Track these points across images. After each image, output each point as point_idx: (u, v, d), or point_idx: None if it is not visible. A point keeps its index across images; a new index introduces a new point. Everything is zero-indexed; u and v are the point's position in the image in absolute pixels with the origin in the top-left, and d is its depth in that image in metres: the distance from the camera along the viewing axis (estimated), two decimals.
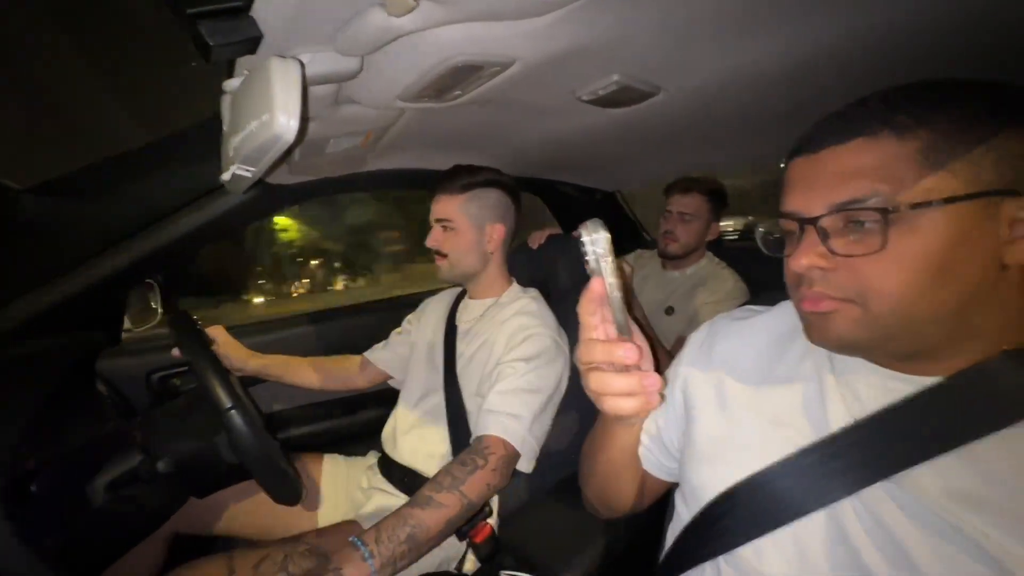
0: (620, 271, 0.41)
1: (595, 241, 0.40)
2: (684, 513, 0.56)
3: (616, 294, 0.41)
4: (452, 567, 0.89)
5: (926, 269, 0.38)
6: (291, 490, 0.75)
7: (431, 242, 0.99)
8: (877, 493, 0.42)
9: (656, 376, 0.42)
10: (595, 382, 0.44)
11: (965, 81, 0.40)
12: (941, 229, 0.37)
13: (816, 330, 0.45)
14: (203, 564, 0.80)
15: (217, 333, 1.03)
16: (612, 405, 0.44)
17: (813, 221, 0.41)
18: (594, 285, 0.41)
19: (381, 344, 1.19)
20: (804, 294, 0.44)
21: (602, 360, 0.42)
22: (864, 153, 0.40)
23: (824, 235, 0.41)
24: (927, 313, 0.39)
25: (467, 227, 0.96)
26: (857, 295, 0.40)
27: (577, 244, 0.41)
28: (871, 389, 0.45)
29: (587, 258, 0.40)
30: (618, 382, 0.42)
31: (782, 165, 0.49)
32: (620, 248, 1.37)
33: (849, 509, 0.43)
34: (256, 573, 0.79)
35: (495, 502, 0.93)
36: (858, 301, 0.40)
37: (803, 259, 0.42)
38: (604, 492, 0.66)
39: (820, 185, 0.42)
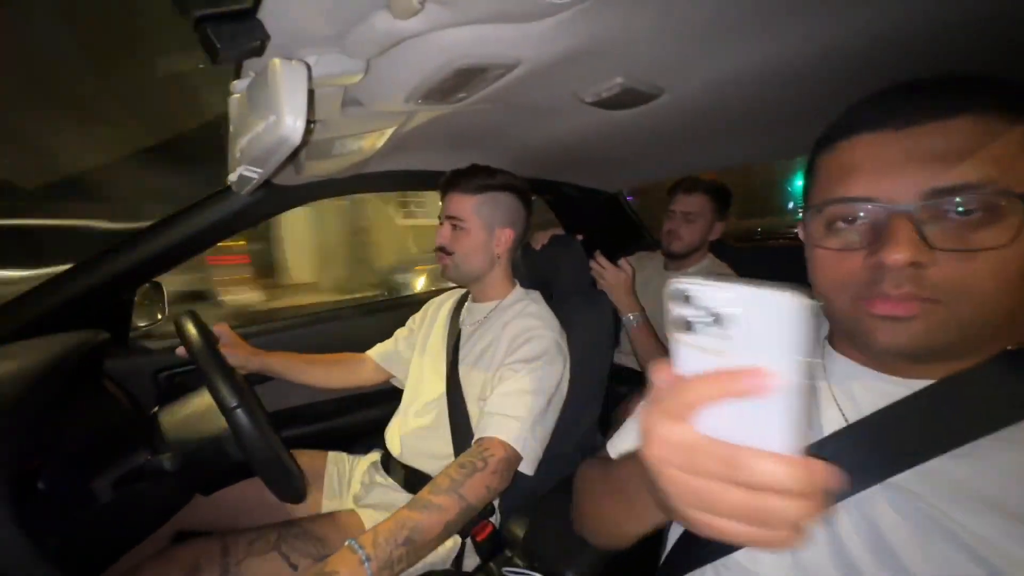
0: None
1: (766, 311, 0.24)
2: None
3: (811, 385, 0.27)
4: (449, 564, 0.89)
5: (1021, 270, 0.34)
6: (295, 488, 0.76)
7: (439, 239, 0.98)
8: (872, 496, 0.41)
9: (830, 496, 0.25)
10: (739, 506, 0.25)
11: None
12: None
13: (886, 333, 0.38)
14: (199, 543, 0.81)
15: (222, 330, 1.04)
16: (763, 539, 0.26)
17: (909, 209, 0.36)
18: (755, 384, 0.24)
19: (385, 343, 1.19)
20: (885, 294, 0.37)
21: (780, 484, 0.24)
22: (974, 132, 0.35)
23: (920, 225, 0.35)
24: (995, 317, 0.36)
25: (477, 228, 0.96)
26: (947, 295, 0.35)
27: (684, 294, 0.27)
28: (866, 392, 0.44)
29: (705, 323, 0.26)
30: (793, 511, 0.25)
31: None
32: (624, 249, 1.38)
33: (843, 512, 0.42)
34: (250, 549, 0.80)
35: (496, 501, 0.93)
36: (944, 301, 0.36)
37: (900, 253, 0.35)
38: (611, 542, 0.59)
39: (915, 166, 0.36)
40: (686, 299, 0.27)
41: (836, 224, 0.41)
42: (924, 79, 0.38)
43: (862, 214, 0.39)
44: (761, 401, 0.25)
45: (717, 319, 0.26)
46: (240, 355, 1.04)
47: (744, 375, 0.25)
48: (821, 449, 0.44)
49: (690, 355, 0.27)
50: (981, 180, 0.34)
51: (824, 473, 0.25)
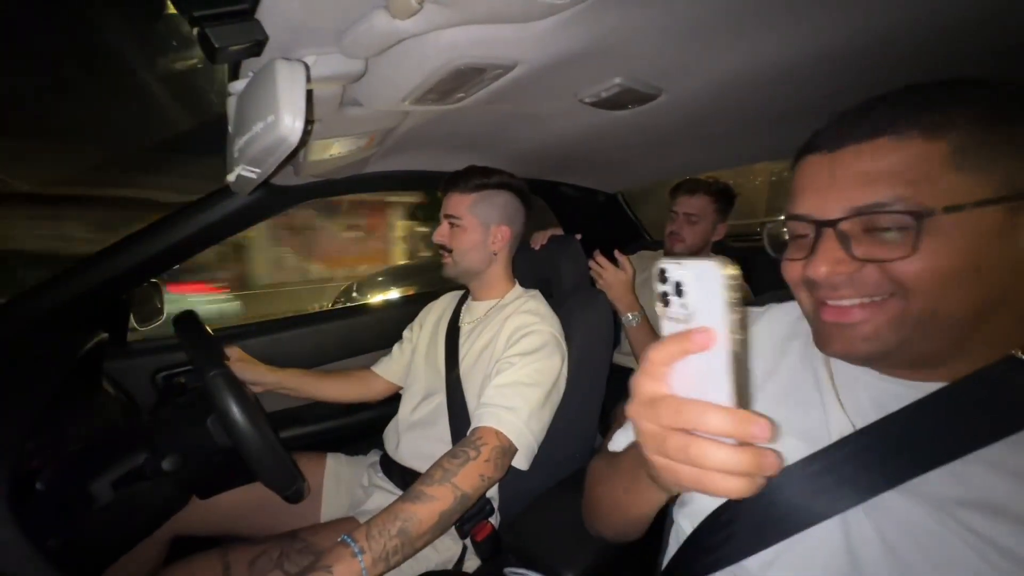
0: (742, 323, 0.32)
1: (704, 277, 0.30)
2: (685, 524, 0.54)
3: (742, 352, 0.33)
4: (451, 566, 0.89)
5: (956, 270, 0.36)
6: (288, 476, 0.74)
7: (437, 237, 1.00)
8: (884, 502, 0.41)
9: (775, 453, 0.30)
10: (681, 448, 0.31)
11: (985, 80, 0.38)
12: (969, 232, 0.36)
13: (839, 340, 0.41)
14: (199, 560, 0.81)
15: (232, 351, 1.05)
16: (703, 481, 0.31)
17: (832, 224, 0.39)
18: (700, 338, 0.30)
19: (386, 358, 1.20)
20: (825, 299, 0.41)
21: (711, 430, 0.30)
22: (890, 153, 0.37)
23: (844, 239, 0.39)
24: (954, 313, 0.37)
25: (474, 226, 0.97)
26: (897, 289, 0.38)
27: (656, 275, 0.32)
28: (873, 396, 0.44)
29: (672, 295, 0.32)
30: (722, 455, 0.30)
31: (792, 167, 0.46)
32: (622, 249, 1.38)
33: (856, 519, 0.42)
34: (251, 570, 0.79)
35: (496, 501, 0.93)
36: (899, 294, 0.38)
37: (822, 266, 0.40)
38: (618, 530, 0.61)
39: (839, 186, 0.39)
40: (662, 275, 0.32)
41: (793, 237, 0.46)
42: (864, 102, 0.41)
43: (802, 229, 0.43)
44: (707, 357, 0.30)
45: (679, 290, 0.31)
46: (254, 372, 1.05)
47: (692, 333, 0.31)
48: (831, 454, 0.43)
49: (667, 326, 0.33)
50: (893, 197, 0.37)
51: (755, 422, 0.29)
